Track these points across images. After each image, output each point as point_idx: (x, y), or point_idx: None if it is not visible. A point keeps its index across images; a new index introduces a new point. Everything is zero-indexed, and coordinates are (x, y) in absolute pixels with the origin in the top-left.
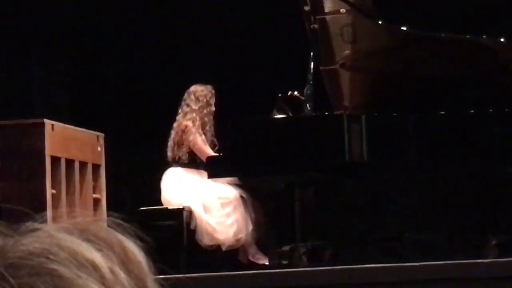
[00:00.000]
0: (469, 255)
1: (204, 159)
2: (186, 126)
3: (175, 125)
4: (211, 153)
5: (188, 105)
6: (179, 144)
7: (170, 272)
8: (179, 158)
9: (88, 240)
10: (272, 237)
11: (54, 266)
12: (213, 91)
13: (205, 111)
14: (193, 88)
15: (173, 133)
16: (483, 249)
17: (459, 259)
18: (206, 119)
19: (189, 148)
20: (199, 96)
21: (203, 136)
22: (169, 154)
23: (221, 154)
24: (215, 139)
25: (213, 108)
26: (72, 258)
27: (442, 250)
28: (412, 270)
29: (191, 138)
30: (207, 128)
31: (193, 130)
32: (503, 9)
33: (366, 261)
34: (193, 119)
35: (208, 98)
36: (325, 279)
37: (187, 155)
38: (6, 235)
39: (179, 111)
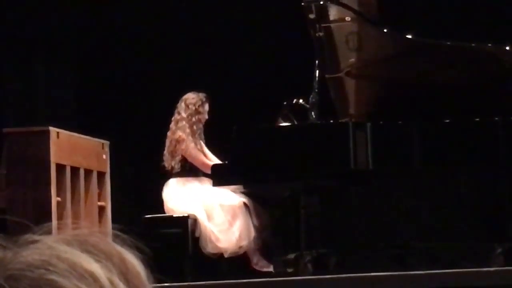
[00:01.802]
0: (475, 263)
1: (198, 165)
2: (179, 136)
3: (169, 133)
4: (204, 159)
5: (179, 113)
6: (172, 154)
7: (169, 281)
8: (172, 168)
9: (87, 251)
10: (277, 245)
11: (54, 277)
12: (204, 99)
13: (193, 119)
14: (186, 95)
15: (167, 142)
16: (489, 257)
17: (465, 267)
18: (194, 127)
19: (182, 156)
20: (189, 104)
21: (193, 143)
22: (165, 164)
23: (226, 161)
24: (202, 145)
25: (204, 116)
26: (71, 269)
27: (448, 258)
28: (417, 278)
29: (183, 146)
30: (197, 135)
31: (186, 140)
32: (507, 17)
33: (371, 269)
34: (184, 128)
35: (197, 106)
36: (331, 287)
37: (179, 164)
38: (5, 247)
39: (172, 118)
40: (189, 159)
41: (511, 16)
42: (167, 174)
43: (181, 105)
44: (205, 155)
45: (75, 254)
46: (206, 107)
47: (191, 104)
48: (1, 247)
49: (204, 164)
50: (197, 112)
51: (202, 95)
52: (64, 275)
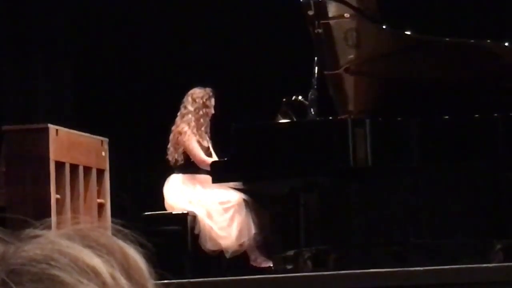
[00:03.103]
0: (474, 259)
1: (196, 161)
2: (182, 129)
3: (173, 127)
4: (203, 156)
5: (185, 107)
6: (175, 146)
7: (171, 277)
8: (176, 160)
9: (89, 246)
10: (276, 242)
11: (55, 272)
12: (211, 93)
13: (201, 112)
14: (192, 90)
15: (171, 136)
16: (488, 253)
17: (464, 264)
18: (201, 120)
19: (184, 149)
20: (196, 98)
21: (197, 136)
22: (169, 157)
23: (225, 158)
24: (209, 141)
25: (211, 110)
26: (73, 264)
27: (447, 254)
28: (416, 274)
29: (185, 138)
30: (203, 129)
31: (189, 132)
32: (506, 13)
33: (371, 265)
34: (189, 121)
35: (204, 100)
36: (330, 283)
37: (182, 157)
38: (7, 242)
39: (178, 113)
40: (189, 154)
41: (511, 16)
42: (171, 169)
43: (188, 99)
44: (209, 153)
45: (77, 249)
46: (213, 101)
47: (198, 98)
48: (3, 242)
49: (201, 160)
50: (204, 105)
51: (208, 90)
52: (66, 270)
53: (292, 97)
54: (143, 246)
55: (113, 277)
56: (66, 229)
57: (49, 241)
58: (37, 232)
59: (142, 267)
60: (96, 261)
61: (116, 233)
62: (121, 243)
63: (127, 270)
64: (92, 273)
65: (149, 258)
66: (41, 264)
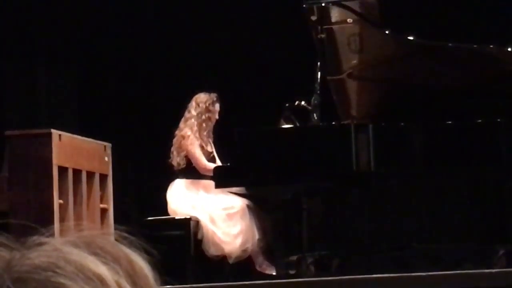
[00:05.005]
0: (477, 265)
1: (198, 167)
2: (185, 133)
3: (176, 131)
4: (205, 162)
5: (189, 111)
6: (178, 150)
7: (176, 283)
8: (178, 164)
9: (94, 253)
10: (279, 247)
11: (61, 279)
12: (215, 99)
13: (203, 116)
14: (197, 95)
15: (174, 139)
16: (491, 259)
17: (467, 269)
18: (204, 124)
19: (186, 153)
20: (199, 102)
21: (200, 141)
22: (172, 161)
23: (228, 164)
24: (213, 146)
25: (214, 116)
26: (78, 271)
27: (450, 259)
28: (419, 280)
29: (188, 143)
30: (205, 133)
31: (192, 136)
32: (508, 18)
33: (373, 270)
34: (192, 125)
35: (207, 104)
36: None
37: (185, 160)
38: (12, 249)
39: (183, 118)
40: (191, 159)
41: (511, 16)
42: (174, 174)
43: (192, 104)
44: (212, 157)
45: (83, 256)
46: (217, 106)
47: (202, 103)
48: (8, 249)
49: (203, 166)
50: (207, 110)
51: (213, 95)
52: (71, 278)
53: (295, 102)
54: (148, 253)
55: (118, 285)
56: (71, 236)
57: (55, 248)
58: (43, 239)
59: (148, 274)
60: (101, 269)
61: (120, 239)
62: (126, 250)
63: (133, 277)
64: (98, 281)
65: (154, 265)
66: (47, 271)
